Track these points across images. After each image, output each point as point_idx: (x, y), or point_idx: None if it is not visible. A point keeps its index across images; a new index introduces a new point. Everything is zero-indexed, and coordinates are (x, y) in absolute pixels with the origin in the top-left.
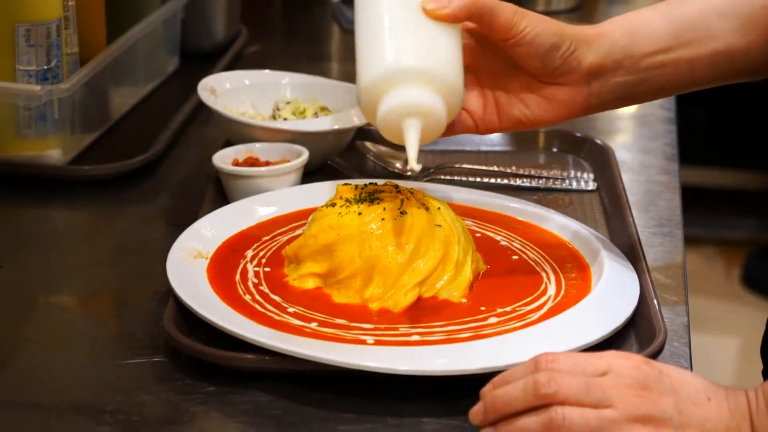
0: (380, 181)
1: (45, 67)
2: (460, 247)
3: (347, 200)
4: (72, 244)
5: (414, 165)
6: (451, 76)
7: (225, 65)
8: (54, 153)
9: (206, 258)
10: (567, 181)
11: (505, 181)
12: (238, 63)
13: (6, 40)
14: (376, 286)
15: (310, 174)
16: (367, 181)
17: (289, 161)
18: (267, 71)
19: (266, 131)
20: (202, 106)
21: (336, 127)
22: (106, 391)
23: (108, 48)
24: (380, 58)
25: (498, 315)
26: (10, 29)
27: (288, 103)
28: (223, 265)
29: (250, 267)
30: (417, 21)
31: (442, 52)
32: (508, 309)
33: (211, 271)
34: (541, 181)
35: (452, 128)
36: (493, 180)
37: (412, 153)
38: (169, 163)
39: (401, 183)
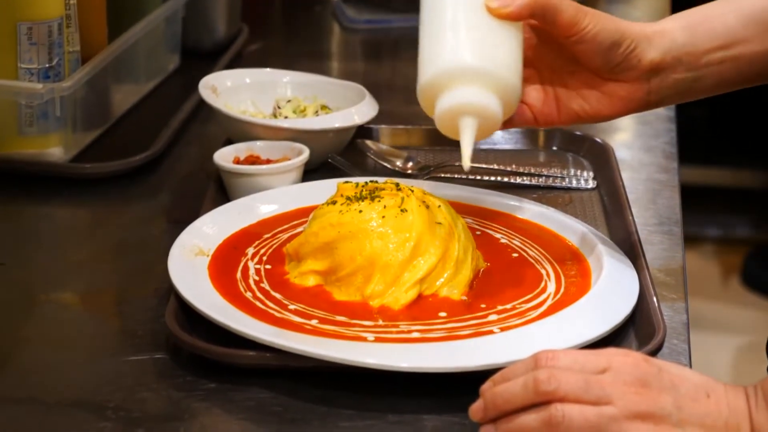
0: (381, 179)
1: (47, 65)
2: (461, 244)
3: (348, 198)
4: (73, 242)
5: (467, 163)
6: (509, 76)
7: (226, 63)
8: (55, 151)
9: (207, 255)
10: (567, 180)
11: (505, 180)
12: (238, 61)
13: (8, 39)
14: (377, 283)
15: (311, 172)
16: (367, 179)
17: (289, 159)
18: (268, 69)
19: (267, 129)
20: (203, 104)
21: (336, 125)
22: (107, 388)
23: (109, 46)
24: (440, 55)
25: (498, 312)
26: (12, 27)
27: (289, 101)
28: (224, 263)
29: (251, 264)
30: (479, 19)
31: (502, 52)
32: (508, 306)
33: (212, 268)
34: (541, 180)
35: (511, 121)
36: (493, 178)
37: (466, 152)
38: (170, 161)
39: (402, 181)
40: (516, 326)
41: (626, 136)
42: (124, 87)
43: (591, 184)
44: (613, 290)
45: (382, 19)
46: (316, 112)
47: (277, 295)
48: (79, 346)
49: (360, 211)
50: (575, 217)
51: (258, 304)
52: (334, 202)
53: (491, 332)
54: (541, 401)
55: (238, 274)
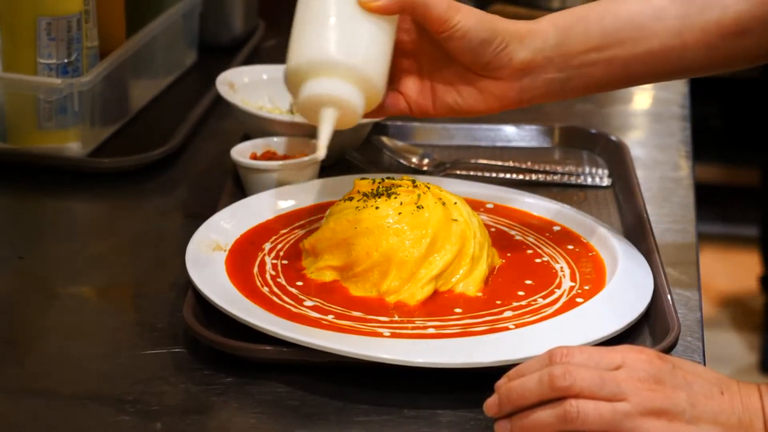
0: (397, 176)
1: (65, 61)
2: (476, 241)
3: (365, 194)
4: (91, 236)
5: (321, 153)
6: (372, 72)
7: (242, 59)
8: (73, 145)
9: (225, 250)
10: (582, 177)
11: (521, 177)
12: (255, 57)
13: (28, 33)
14: (393, 279)
15: (327, 168)
16: (384, 175)
17: (306, 155)
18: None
19: (284, 125)
20: (220, 100)
21: None
22: (126, 381)
23: (127, 42)
24: (306, 45)
25: (513, 309)
26: (32, 22)
27: None
28: (242, 258)
29: (268, 259)
30: (350, 12)
31: (367, 47)
32: (523, 303)
33: (229, 263)
34: (556, 177)
35: (384, 110)
36: (508, 175)
37: (322, 141)
38: (187, 156)
39: (418, 178)
40: (531, 323)
41: (641, 134)
42: (142, 82)
43: (606, 181)
44: (627, 287)
45: None
46: None
47: (294, 291)
48: (97, 340)
49: (376, 208)
50: (590, 214)
51: (275, 299)
52: (350, 199)
53: (506, 328)
54: (555, 397)
55: (255, 269)
